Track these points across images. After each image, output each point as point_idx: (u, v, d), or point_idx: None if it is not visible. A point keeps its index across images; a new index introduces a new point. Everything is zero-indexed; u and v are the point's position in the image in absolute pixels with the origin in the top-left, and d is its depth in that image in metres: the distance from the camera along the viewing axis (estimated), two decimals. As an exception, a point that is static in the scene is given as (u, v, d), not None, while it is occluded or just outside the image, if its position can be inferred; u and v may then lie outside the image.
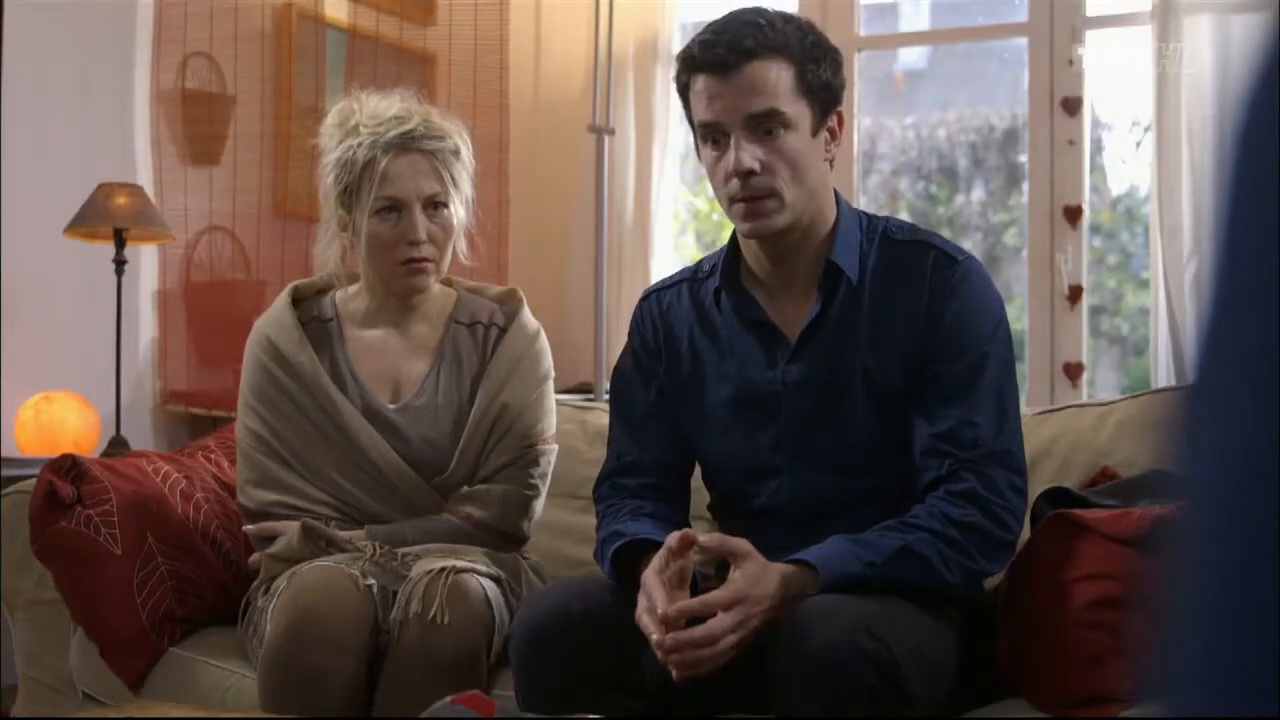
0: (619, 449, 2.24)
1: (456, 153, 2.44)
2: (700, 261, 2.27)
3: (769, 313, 2.10)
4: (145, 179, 3.84)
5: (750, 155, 1.96)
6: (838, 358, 2.05)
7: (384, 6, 4.29)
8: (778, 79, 1.97)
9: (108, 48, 3.87)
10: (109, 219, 3.46)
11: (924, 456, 1.98)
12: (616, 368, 2.33)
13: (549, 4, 4.62)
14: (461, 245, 2.49)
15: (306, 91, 4.14)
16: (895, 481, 2.03)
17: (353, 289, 2.55)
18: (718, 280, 2.14)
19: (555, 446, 2.54)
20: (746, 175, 1.96)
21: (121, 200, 3.47)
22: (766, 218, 1.99)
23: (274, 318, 2.50)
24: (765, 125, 1.97)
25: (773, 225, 2.00)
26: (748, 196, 1.98)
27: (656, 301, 2.24)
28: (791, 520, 2.06)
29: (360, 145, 2.37)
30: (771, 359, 2.09)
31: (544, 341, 2.55)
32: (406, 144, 2.38)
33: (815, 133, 2.01)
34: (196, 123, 4.02)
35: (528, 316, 2.55)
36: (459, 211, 2.45)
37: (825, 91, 2.01)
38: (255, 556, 2.41)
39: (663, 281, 2.29)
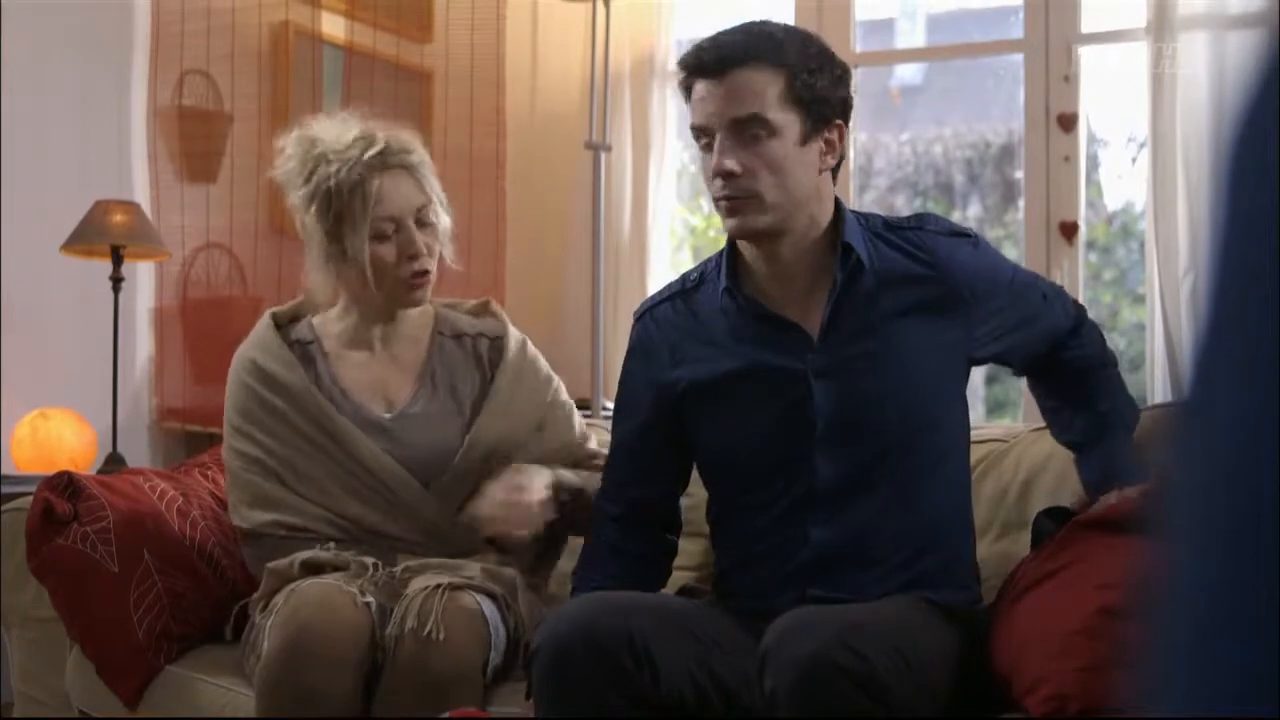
0: (603, 481, 2.34)
1: (424, 163, 2.48)
2: (685, 274, 2.30)
3: (776, 307, 2.14)
4: (142, 196, 3.84)
5: (731, 158, 2.03)
6: (861, 340, 2.10)
7: (381, 24, 4.30)
8: (765, 86, 2.03)
9: (105, 65, 3.87)
10: (106, 236, 3.46)
11: (1045, 354, 2.25)
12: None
13: (546, 20, 4.63)
14: (449, 250, 2.51)
15: (303, 108, 4.13)
16: (922, 462, 2.10)
17: (331, 312, 2.55)
18: (724, 282, 2.16)
19: (588, 433, 2.62)
20: (727, 176, 2.03)
21: (118, 217, 3.48)
22: (746, 216, 2.05)
23: (258, 342, 2.50)
24: (749, 130, 2.03)
25: (752, 225, 2.06)
26: (728, 196, 2.05)
27: (652, 319, 2.27)
28: (818, 503, 2.09)
29: (339, 171, 2.38)
30: (790, 349, 2.11)
31: (534, 349, 2.60)
32: (387, 162, 2.41)
33: (805, 142, 2.06)
34: (193, 140, 4.02)
35: (513, 330, 2.59)
36: (443, 218, 2.48)
37: (818, 103, 2.05)
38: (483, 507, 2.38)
39: (654, 298, 2.31)
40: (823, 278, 2.11)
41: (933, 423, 2.11)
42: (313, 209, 2.41)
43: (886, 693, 1.74)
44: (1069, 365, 2.24)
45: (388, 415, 2.47)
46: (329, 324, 2.54)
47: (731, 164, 2.02)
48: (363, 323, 2.51)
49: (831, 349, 2.10)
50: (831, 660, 1.73)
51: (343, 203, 2.38)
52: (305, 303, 2.59)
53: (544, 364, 2.59)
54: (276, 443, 2.43)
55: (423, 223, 2.43)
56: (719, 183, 2.05)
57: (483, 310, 2.64)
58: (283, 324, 2.56)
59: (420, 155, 2.47)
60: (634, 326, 2.30)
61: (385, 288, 2.44)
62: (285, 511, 2.40)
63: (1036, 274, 2.34)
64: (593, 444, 2.58)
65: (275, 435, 2.43)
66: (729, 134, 2.04)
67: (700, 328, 2.20)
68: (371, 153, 2.39)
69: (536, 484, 2.33)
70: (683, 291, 2.25)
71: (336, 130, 2.43)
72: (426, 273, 2.43)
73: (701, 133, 2.08)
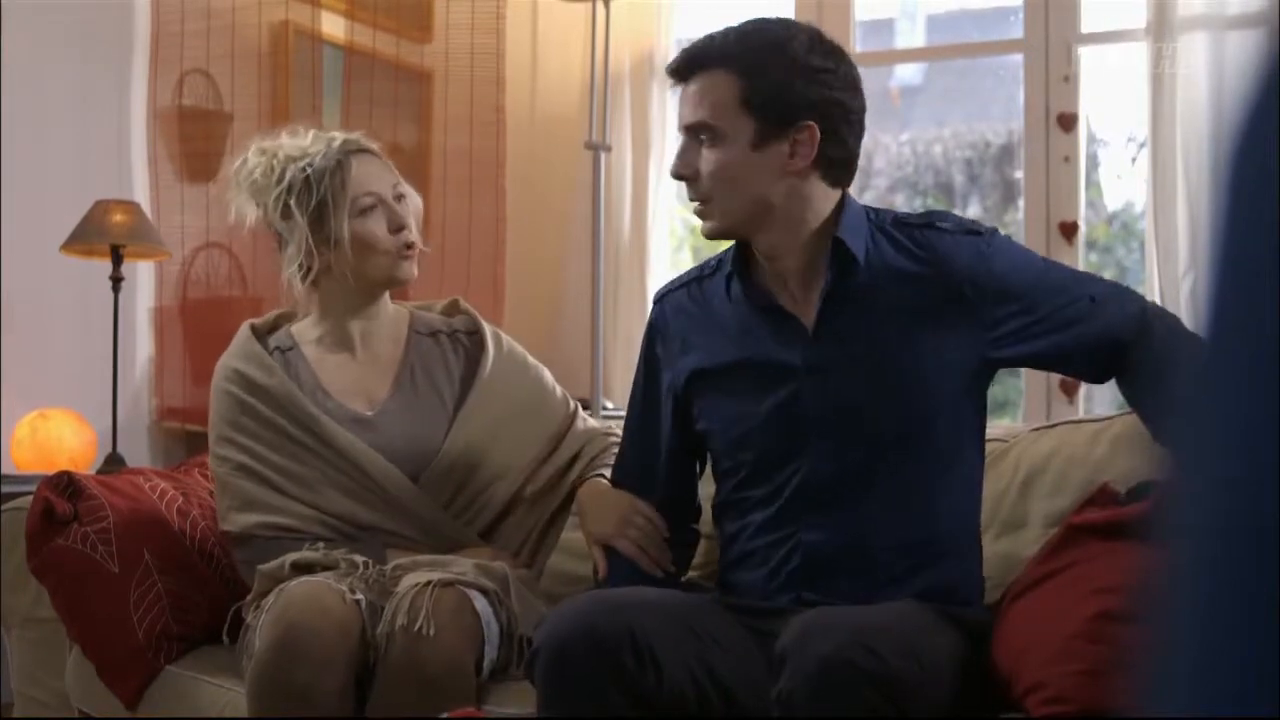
0: (618, 475, 2.36)
1: (382, 155, 2.55)
2: (705, 262, 2.32)
3: (781, 300, 2.14)
4: (142, 196, 3.84)
5: (680, 161, 2.10)
6: (855, 337, 2.09)
7: (381, 23, 4.30)
8: (719, 91, 2.06)
9: (105, 65, 3.87)
10: (106, 236, 3.46)
11: (1105, 362, 2.09)
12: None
13: (545, 20, 4.63)
14: (420, 232, 2.55)
15: (303, 108, 4.14)
16: (920, 467, 2.08)
17: (305, 322, 2.57)
18: (730, 268, 2.18)
19: (576, 405, 2.64)
20: (679, 180, 2.11)
21: (118, 217, 3.48)
22: (706, 219, 2.11)
23: (239, 351, 2.51)
24: (699, 135, 2.08)
25: (711, 228, 2.12)
26: (691, 198, 2.12)
27: (671, 302, 2.29)
28: (810, 502, 2.09)
29: (310, 164, 2.43)
30: (789, 343, 2.11)
31: (507, 337, 2.63)
32: (356, 149, 2.48)
33: (760, 146, 2.05)
34: (193, 140, 4.02)
35: (486, 325, 2.62)
36: (414, 197, 2.55)
37: (776, 106, 2.04)
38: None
39: (672, 283, 2.33)
40: (820, 274, 2.11)
41: (930, 425, 2.08)
42: (291, 202, 2.43)
43: (903, 694, 1.74)
44: (1141, 367, 2.09)
45: (369, 412, 2.48)
46: (306, 330, 2.56)
47: (678, 167, 2.10)
48: (340, 324, 2.52)
49: (824, 345, 2.10)
50: (849, 661, 1.73)
51: (323, 187, 2.42)
52: (283, 313, 2.62)
53: (520, 349, 2.62)
54: (263, 446, 2.43)
55: (400, 197, 2.49)
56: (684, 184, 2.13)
57: (453, 309, 2.67)
58: (262, 334, 2.57)
59: (378, 149, 2.55)
60: (652, 309, 2.33)
61: (373, 265, 2.46)
62: (273, 513, 2.40)
63: (1090, 275, 2.21)
64: (581, 424, 2.60)
65: (261, 439, 2.43)
66: (686, 138, 2.10)
67: (710, 316, 2.21)
68: (335, 144, 2.46)
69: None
70: (699, 279, 2.27)
71: (291, 140, 2.50)
72: (413, 244, 2.47)
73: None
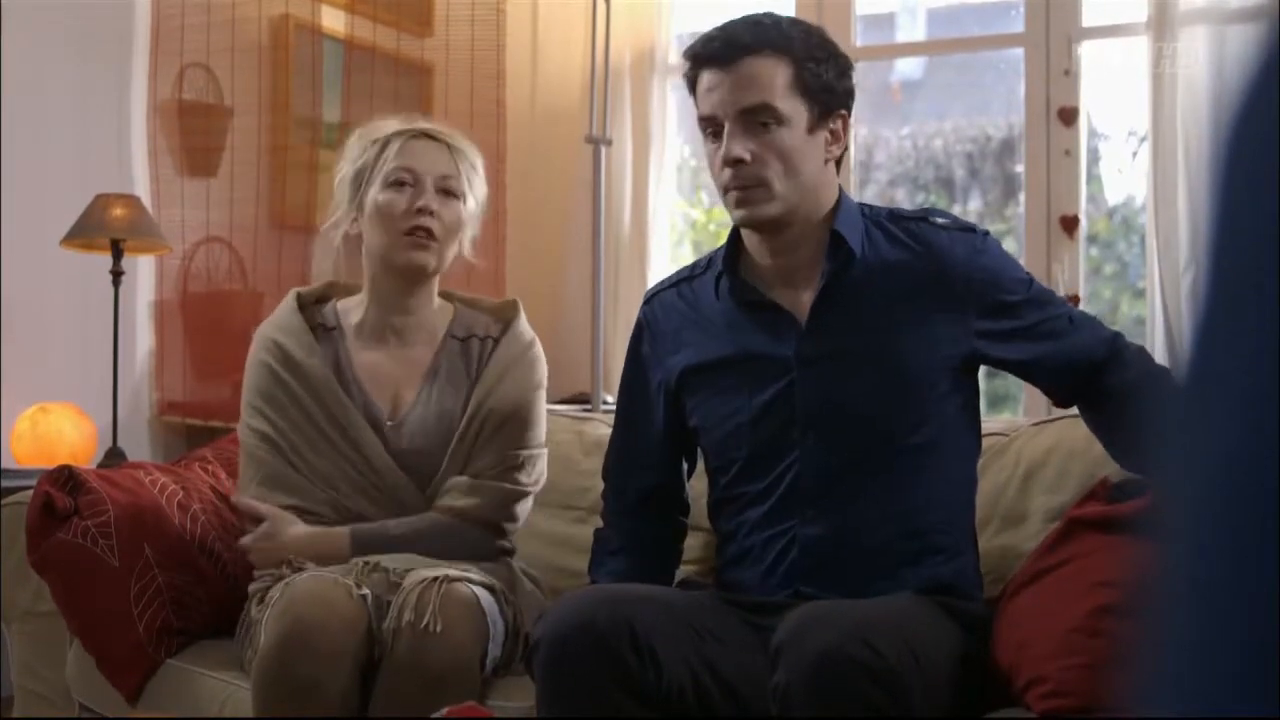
0: (609, 471, 2.37)
1: (475, 165, 2.53)
2: (696, 262, 2.32)
3: (774, 295, 2.14)
4: (142, 190, 3.84)
5: (741, 146, 2.04)
6: (849, 330, 2.09)
7: (381, 17, 4.29)
8: (773, 75, 2.04)
9: (105, 59, 3.87)
10: (106, 230, 3.46)
11: (1079, 379, 2.10)
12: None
13: (546, 14, 4.62)
14: (467, 246, 2.51)
15: (303, 102, 4.14)
16: (913, 461, 2.08)
17: (352, 300, 2.55)
18: (719, 267, 2.18)
19: (544, 452, 2.54)
20: (736, 164, 2.05)
21: (118, 211, 3.47)
22: (756, 206, 2.06)
23: (281, 323, 2.50)
24: (759, 119, 2.05)
25: (762, 214, 2.07)
26: (739, 185, 2.06)
27: (659, 303, 2.29)
28: (805, 497, 2.09)
29: (377, 136, 2.48)
30: (781, 338, 2.12)
31: (538, 351, 2.57)
32: (421, 133, 2.49)
33: (812, 131, 2.07)
34: (194, 134, 4.02)
35: (523, 326, 2.57)
36: (470, 207, 2.50)
37: (825, 93, 2.07)
38: (244, 540, 2.41)
39: (662, 283, 2.34)
40: (817, 267, 2.11)
41: (923, 418, 2.08)
42: (346, 164, 2.49)
43: (900, 688, 1.74)
44: (1115, 390, 2.09)
45: (390, 422, 2.47)
46: (350, 311, 2.55)
47: (740, 150, 2.04)
48: (381, 313, 2.51)
49: (819, 338, 2.10)
50: (847, 654, 1.73)
51: (369, 153, 2.46)
52: (332, 283, 2.60)
53: (540, 372, 2.55)
54: (289, 425, 2.44)
55: (447, 191, 2.46)
56: (728, 172, 2.06)
57: (504, 310, 2.62)
58: (307, 304, 2.56)
59: (470, 150, 2.53)
60: (641, 308, 2.32)
61: (383, 240, 2.44)
62: (292, 493, 2.41)
63: (1064, 300, 2.24)
64: (524, 476, 2.49)
65: (289, 418, 2.44)
66: (738, 123, 2.05)
67: (700, 314, 2.22)
68: (420, 125, 2.49)
69: (287, 539, 2.37)
70: (689, 278, 2.27)
71: (388, 120, 2.54)
72: (430, 233, 2.43)
73: (710, 122, 2.09)
